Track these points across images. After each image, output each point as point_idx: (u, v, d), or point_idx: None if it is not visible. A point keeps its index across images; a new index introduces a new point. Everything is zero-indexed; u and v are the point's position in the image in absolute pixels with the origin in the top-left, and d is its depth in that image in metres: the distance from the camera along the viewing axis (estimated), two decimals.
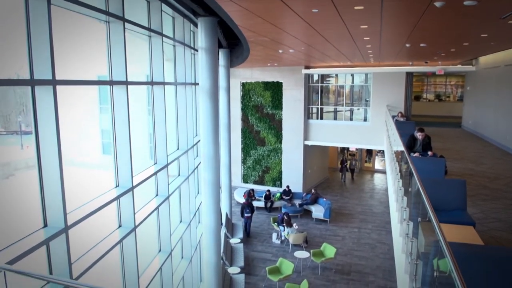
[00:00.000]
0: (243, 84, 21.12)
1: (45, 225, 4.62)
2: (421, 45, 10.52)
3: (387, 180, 12.25)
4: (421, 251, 4.56)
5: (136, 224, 6.56)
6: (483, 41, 9.78)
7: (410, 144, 8.20)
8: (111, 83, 5.69)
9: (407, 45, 10.49)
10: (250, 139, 21.50)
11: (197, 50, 10.38)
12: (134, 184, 6.45)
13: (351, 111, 20.51)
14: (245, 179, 21.90)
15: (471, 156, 12.05)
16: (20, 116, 4.89)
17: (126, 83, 6.03)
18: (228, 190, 16.62)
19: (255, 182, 21.62)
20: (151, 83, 7.42)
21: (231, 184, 17.03)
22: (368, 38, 9.29)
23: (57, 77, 4.50)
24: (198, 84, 10.06)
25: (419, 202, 5.89)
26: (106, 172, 6.57)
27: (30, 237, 4.36)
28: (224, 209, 16.15)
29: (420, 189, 4.48)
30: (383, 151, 23.50)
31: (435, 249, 3.75)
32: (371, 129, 19.04)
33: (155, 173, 7.53)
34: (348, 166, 23.59)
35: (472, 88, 17.67)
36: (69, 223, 4.74)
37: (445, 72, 17.74)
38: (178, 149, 9.66)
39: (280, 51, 12.17)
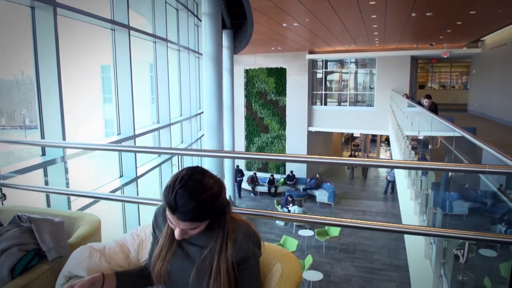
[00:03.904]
0: (246, 71, 21.00)
1: (43, 154, 4.51)
2: (428, 14, 10.36)
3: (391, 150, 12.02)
4: (431, 182, 4.51)
5: (138, 175, 6.44)
6: (491, 6, 9.63)
7: None
8: (112, 22, 5.58)
9: (413, 14, 10.34)
10: (254, 126, 21.34)
11: (200, 20, 10.30)
12: (136, 134, 6.33)
13: (356, 97, 20.33)
14: (248, 167, 21.72)
15: (479, 131, 11.82)
16: (24, 110, 4.93)
17: (128, 27, 5.93)
18: (232, 174, 16.45)
19: (259, 170, 21.41)
20: (154, 35, 7.31)
21: (234, 168, 16.88)
22: (373, 3, 9.16)
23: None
24: (201, 54, 9.97)
25: (426, 146, 5.85)
26: (108, 163, 6.60)
27: (27, 161, 4.25)
28: (228, 192, 15.97)
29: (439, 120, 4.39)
30: (388, 141, 23.30)
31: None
32: (376, 115, 18.83)
33: (157, 129, 7.41)
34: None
35: (478, 71, 17.44)
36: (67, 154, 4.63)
37: (450, 56, 17.44)
38: (181, 115, 9.55)
39: (284, 24, 12.04)
